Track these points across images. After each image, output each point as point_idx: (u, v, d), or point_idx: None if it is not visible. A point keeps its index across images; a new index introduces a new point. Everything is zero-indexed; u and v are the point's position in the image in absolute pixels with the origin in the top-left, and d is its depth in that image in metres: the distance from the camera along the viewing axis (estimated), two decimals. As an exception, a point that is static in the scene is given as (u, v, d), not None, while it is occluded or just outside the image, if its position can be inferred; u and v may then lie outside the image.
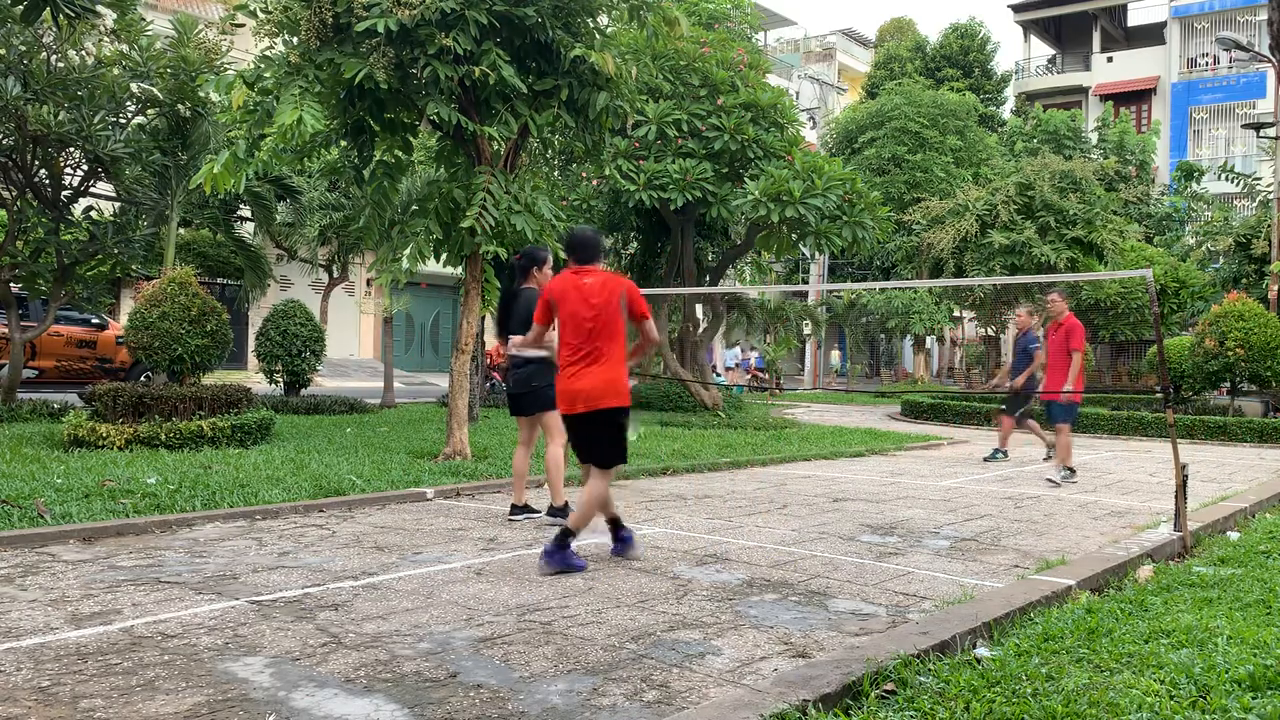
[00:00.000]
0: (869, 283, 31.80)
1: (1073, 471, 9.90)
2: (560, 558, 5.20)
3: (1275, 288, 19.65)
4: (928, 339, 38.23)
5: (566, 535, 5.25)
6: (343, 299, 27.76)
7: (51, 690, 3.34)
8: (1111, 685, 3.37)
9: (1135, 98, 41.62)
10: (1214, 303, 20.39)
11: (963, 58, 42.88)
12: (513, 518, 6.82)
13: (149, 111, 12.35)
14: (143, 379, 15.10)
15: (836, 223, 15.34)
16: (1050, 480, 9.58)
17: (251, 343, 17.49)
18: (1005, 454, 11.91)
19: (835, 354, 42.28)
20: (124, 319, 11.84)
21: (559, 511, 6.64)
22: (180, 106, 12.18)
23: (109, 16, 11.59)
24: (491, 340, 18.59)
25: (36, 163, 11.92)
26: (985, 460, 11.80)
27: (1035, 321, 11.96)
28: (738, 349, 34.25)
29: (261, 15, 8.50)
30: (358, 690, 3.41)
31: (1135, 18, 45.62)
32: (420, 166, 11.36)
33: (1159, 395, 19.99)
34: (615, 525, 5.65)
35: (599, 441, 5.36)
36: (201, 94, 11.98)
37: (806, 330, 35.04)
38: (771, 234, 16.33)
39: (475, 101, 9.00)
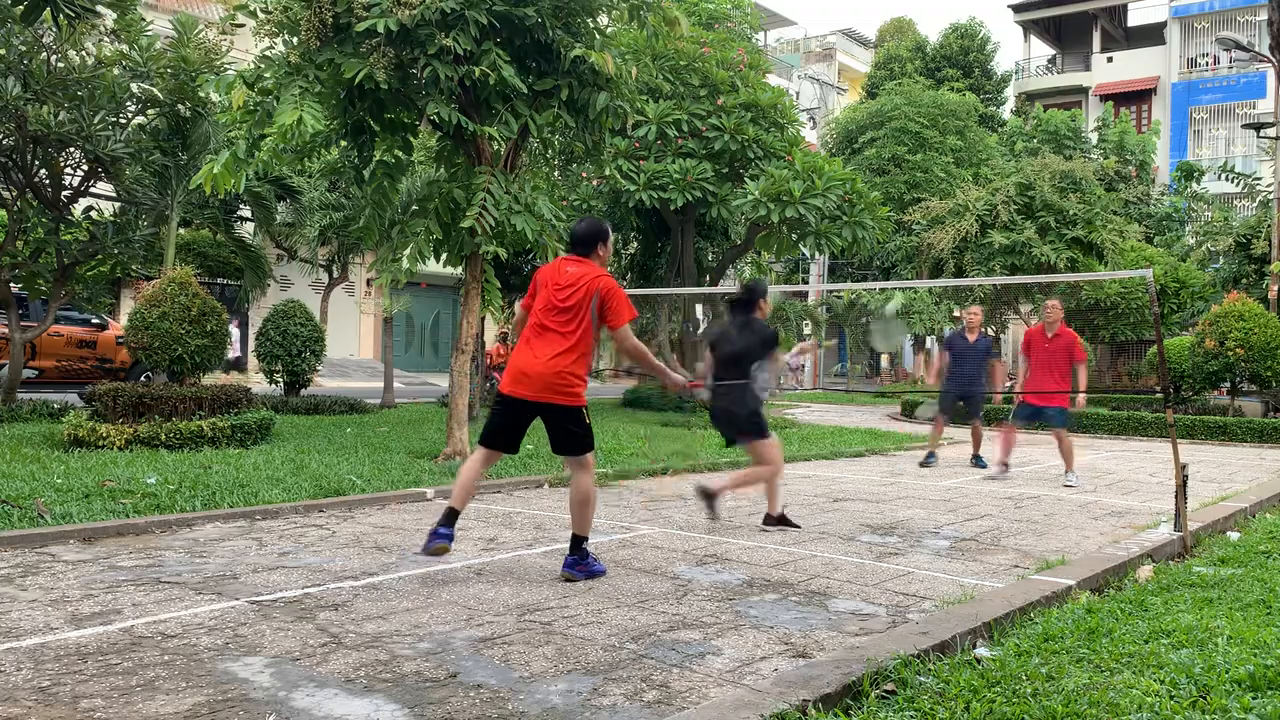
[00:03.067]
0: (869, 283, 31.79)
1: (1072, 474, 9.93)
2: (582, 567, 5.15)
3: (1275, 288, 19.64)
4: (928, 339, 38.20)
5: (579, 543, 5.19)
6: (343, 299, 27.76)
7: (51, 690, 3.34)
8: (1111, 685, 3.37)
9: (1135, 98, 41.61)
10: (1214, 303, 20.39)
11: (963, 58, 42.83)
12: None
13: (149, 111, 12.35)
14: (143, 379, 15.10)
15: (836, 223, 15.35)
16: (1069, 485, 9.50)
17: (252, 343, 17.50)
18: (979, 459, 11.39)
19: (885, 358, 41.97)
20: (124, 319, 11.83)
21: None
22: (180, 106, 12.17)
23: (109, 16, 11.59)
24: (491, 340, 18.58)
25: (36, 163, 11.92)
26: (975, 466, 11.34)
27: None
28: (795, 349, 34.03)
29: (261, 15, 8.50)
30: (358, 690, 3.41)
31: (1135, 18, 45.62)
32: (420, 166, 11.36)
33: (1159, 395, 19.97)
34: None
35: (555, 435, 5.16)
36: (201, 94, 11.97)
37: (806, 330, 35.01)
38: (771, 234, 16.34)
39: (475, 101, 9.00)
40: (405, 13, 7.94)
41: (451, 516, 5.14)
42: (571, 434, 5.12)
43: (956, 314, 33.54)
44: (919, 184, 31.80)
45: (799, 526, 6.82)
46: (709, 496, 6.66)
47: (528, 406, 5.11)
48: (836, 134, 36.56)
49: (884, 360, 41.73)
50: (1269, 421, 15.53)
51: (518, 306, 5.38)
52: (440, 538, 5.08)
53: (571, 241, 5.32)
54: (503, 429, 5.23)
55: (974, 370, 11.08)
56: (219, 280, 25.05)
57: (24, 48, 10.92)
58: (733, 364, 6.63)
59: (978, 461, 11.32)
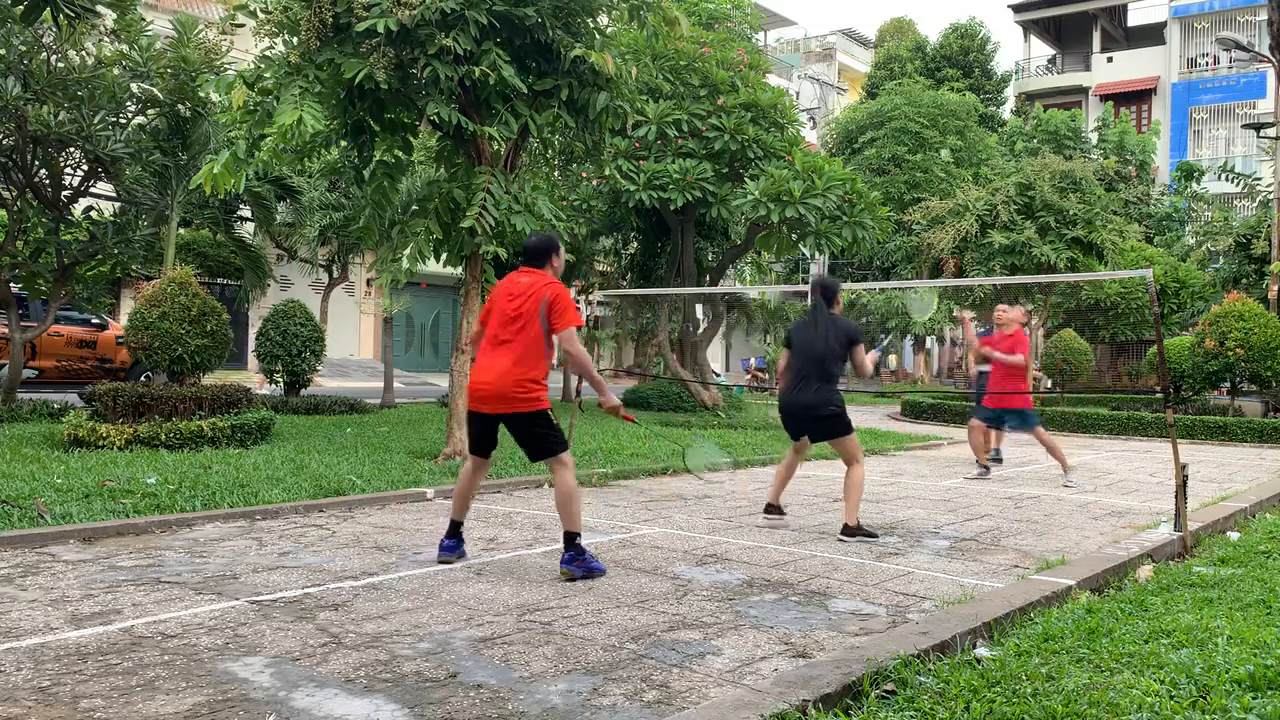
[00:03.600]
0: (869, 283, 31.79)
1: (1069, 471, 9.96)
2: (579, 562, 5.17)
3: (1275, 288, 19.65)
4: (928, 339, 38.22)
5: (572, 539, 5.21)
6: (343, 299, 27.76)
7: (51, 690, 3.34)
8: (1111, 685, 3.37)
9: (1135, 98, 41.63)
10: (1214, 303, 20.40)
11: (963, 58, 42.86)
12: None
13: (149, 111, 12.35)
14: (143, 379, 15.10)
15: (836, 223, 15.34)
16: (1069, 485, 9.49)
17: (252, 343, 17.50)
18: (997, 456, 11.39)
19: (893, 358, 41.86)
20: (124, 319, 11.82)
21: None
22: (180, 106, 12.17)
23: (109, 16, 11.59)
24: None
25: (36, 163, 11.91)
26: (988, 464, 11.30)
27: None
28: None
29: (261, 15, 8.49)
30: (358, 690, 3.41)
31: (1135, 18, 45.65)
32: (420, 166, 11.36)
33: (1159, 395, 19.98)
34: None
35: (524, 442, 5.32)
36: (201, 94, 11.97)
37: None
38: (771, 234, 16.33)
39: (475, 101, 9.00)
40: (405, 13, 7.94)
41: (455, 528, 5.44)
42: (543, 437, 5.25)
43: (956, 314, 33.54)
44: (919, 184, 31.81)
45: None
46: (854, 532, 6.41)
47: (494, 419, 5.30)
48: (836, 134, 36.58)
49: (892, 360, 41.72)
50: (1269, 421, 15.53)
51: (474, 323, 5.50)
52: (447, 551, 5.41)
53: (525, 255, 5.47)
54: (480, 437, 5.43)
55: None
56: (219, 280, 25.05)
57: (24, 48, 10.91)
58: (816, 360, 6.52)
59: (995, 455, 11.45)
